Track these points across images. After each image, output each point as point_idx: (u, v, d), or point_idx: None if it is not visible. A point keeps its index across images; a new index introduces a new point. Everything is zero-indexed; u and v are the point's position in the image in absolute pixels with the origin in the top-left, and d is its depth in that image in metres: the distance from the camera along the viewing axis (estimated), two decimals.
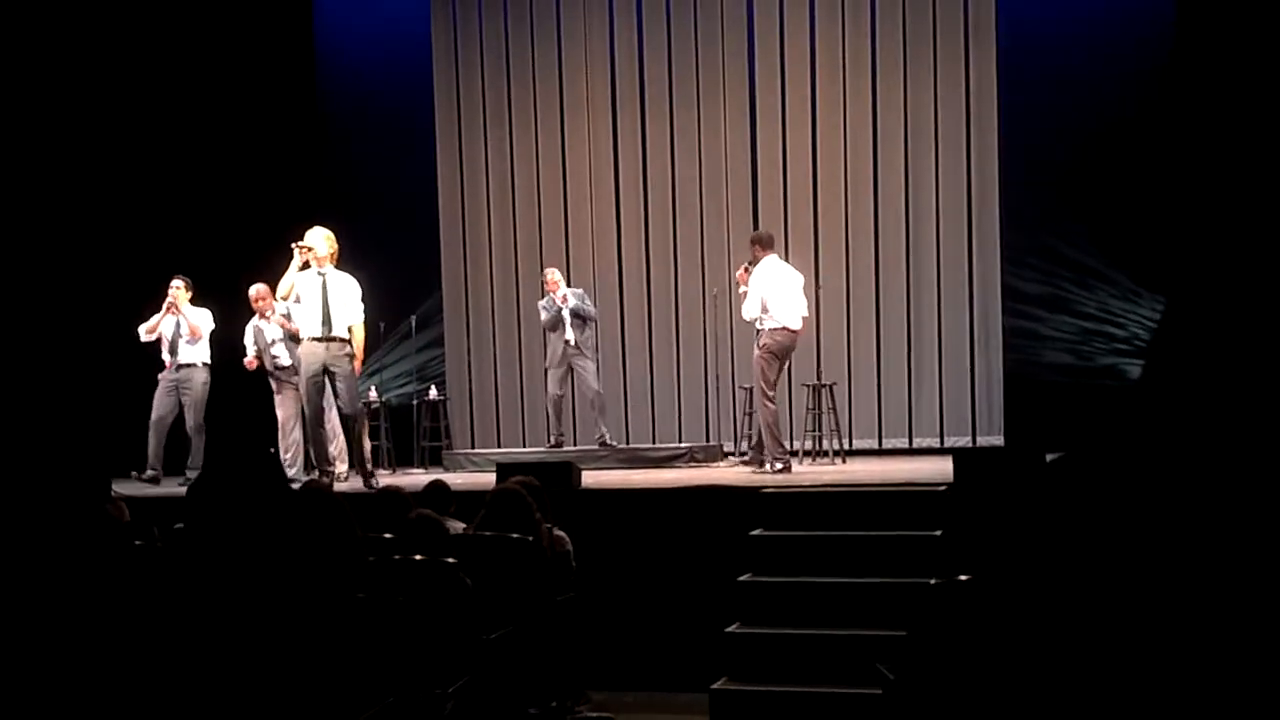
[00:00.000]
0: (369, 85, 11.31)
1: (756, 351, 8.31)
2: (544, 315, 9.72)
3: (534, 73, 10.91)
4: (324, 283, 7.87)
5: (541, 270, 10.27)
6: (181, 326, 9.04)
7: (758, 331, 8.36)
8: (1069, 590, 4.60)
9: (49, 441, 9.24)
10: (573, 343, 9.57)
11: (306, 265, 7.87)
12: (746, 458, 8.52)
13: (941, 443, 9.84)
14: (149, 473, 8.92)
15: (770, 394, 8.23)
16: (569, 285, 9.93)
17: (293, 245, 7.86)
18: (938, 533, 6.20)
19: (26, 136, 10.12)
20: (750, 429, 8.89)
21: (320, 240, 7.87)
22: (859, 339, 10.14)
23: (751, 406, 8.67)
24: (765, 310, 8.24)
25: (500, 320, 11.05)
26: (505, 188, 11.02)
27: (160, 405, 9.06)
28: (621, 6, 10.69)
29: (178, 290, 9.06)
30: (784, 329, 8.28)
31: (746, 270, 8.41)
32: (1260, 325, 8.77)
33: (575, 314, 9.59)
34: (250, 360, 8.98)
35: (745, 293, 8.38)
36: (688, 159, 10.55)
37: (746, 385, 8.99)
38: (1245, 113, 8.96)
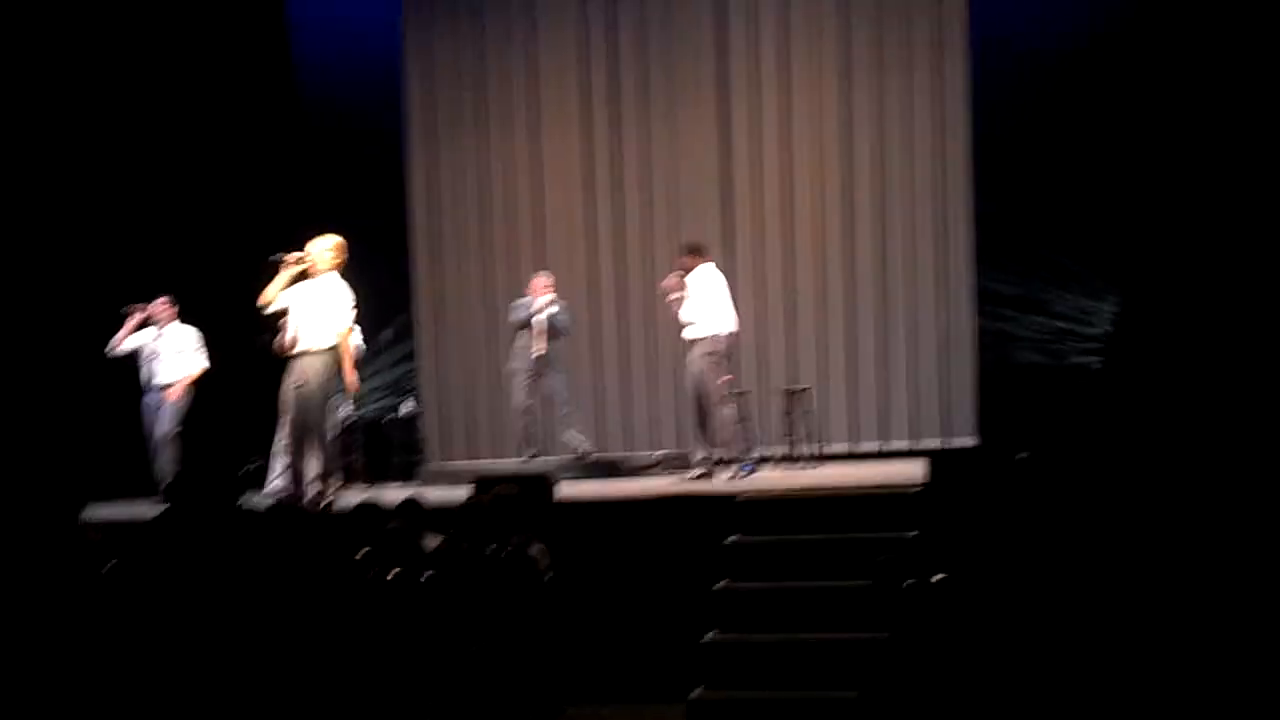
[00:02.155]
0: (341, 93, 11.23)
1: (706, 359, 8.29)
2: (514, 314, 9.52)
3: (508, 78, 10.88)
4: (314, 293, 7.67)
5: (521, 277, 10.07)
6: (161, 346, 8.97)
7: (697, 340, 8.35)
8: (1044, 587, 4.62)
9: (23, 463, 9.18)
10: (544, 352, 9.44)
11: (304, 276, 7.72)
12: (701, 471, 8.41)
13: (915, 444, 9.86)
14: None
15: (723, 395, 8.29)
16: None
17: (273, 258, 7.71)
18: (913, 534, 6.21)
19: (5, 156, 10.05)
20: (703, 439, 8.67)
21: (324, 249, 7.68)
22: (831, 342, 10.16)
23: (701, 416, 8.51)
24: (702, 317, 8.30)
25: (475, 332, 11.00)
26: (479, 193, 10.98)
27: (150, 430, 9.01)
28: (594, 8, 10.70)
29: (163, 308, 8.96)
30: (730, 334, 8.42)
31: (679, 278, 8.39)
32: (1219, 315, 8.86)
33: (553, 322, 9.44)
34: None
35: (678, 299, 8.37)
36: (662, 163, 10.55)
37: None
38: (1216, 113, 9.07)
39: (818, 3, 10.19)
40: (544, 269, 9.90)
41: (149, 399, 9.04)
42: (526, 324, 9.42)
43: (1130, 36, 9.43)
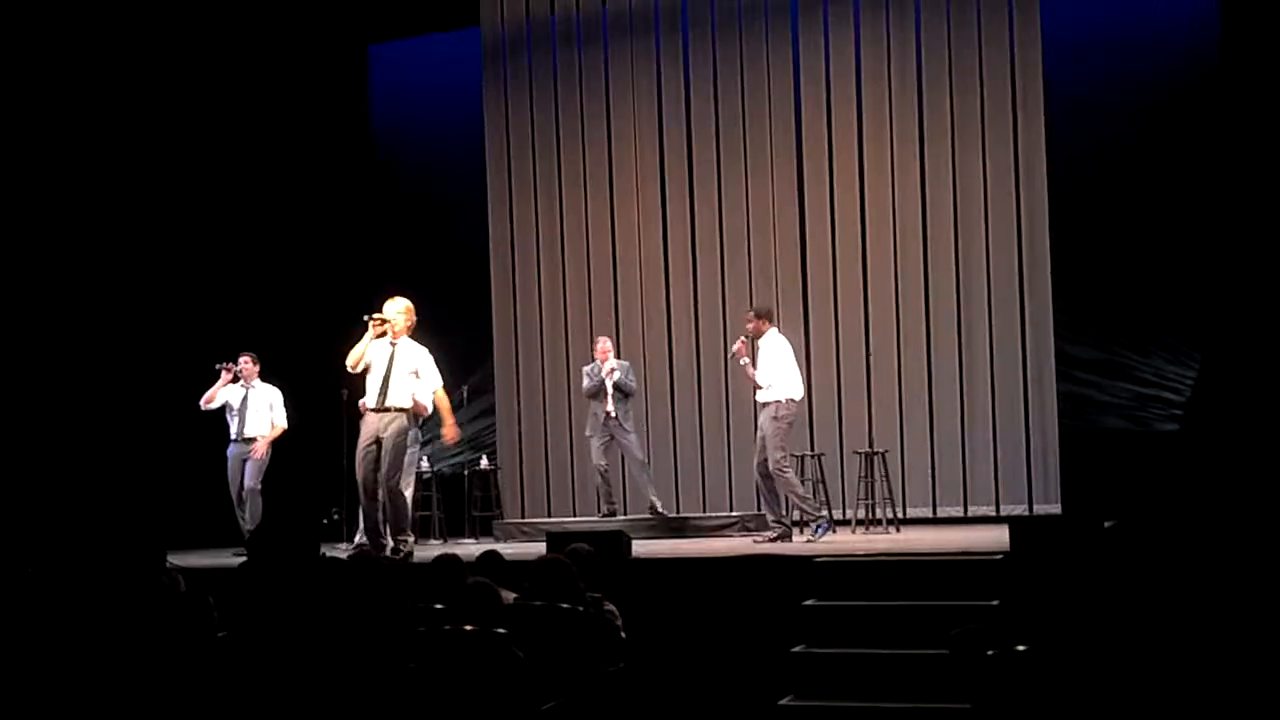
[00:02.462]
0: (422, 155, 11.57)
1: (774, 423, 8.26)
2: (586, 382, 9.79)
3: (583, 141, 11.06)
4: (392, 354, 7.95)
5: (591, 338, 10.34)
6: (250, 400, 9.23)
7: (767, 404, 8.32)
8: (1129, 659, 4.50)
9: (108, 513, 9.41)
10: (614, 414, 9.59)
11: (382, 334, 7.97)
12: (774, 534, 8.36)
13: (997, 511, 9.69)
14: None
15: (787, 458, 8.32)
16: (618, 355, 9.97)
17: (366, 318, 7.96)
18: (994, 602, 6.10)
19: (92, 215, 10.41)
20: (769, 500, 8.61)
21: (396, 312, 7.96)
22: (911, 406, 10.05)
23: (764, 477, 8.47)
24: (771, 381, 8.30)
25: (551, 389, 11.10)
26: (556, 257, 11.13)
27: (234, 481, 9.27)
28: (669, 76, 10.83)
29: (246, 365, 9.23)
30: (798, 400, 8.43)
31: (745, 342, 8.41)
32: None
33: (618, 386, 9.63)
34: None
35: (747, 364, 8.38)
36: (736, 228, 10.61)
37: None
38: None
39: (893, 66, 10.21)
40: (604, 335, 10.08)
41: (234, 450, 9.29)
42: (597, 393, 9.68)
43: (1209, 93, 9.34)
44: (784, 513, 8.33)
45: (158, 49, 10.72)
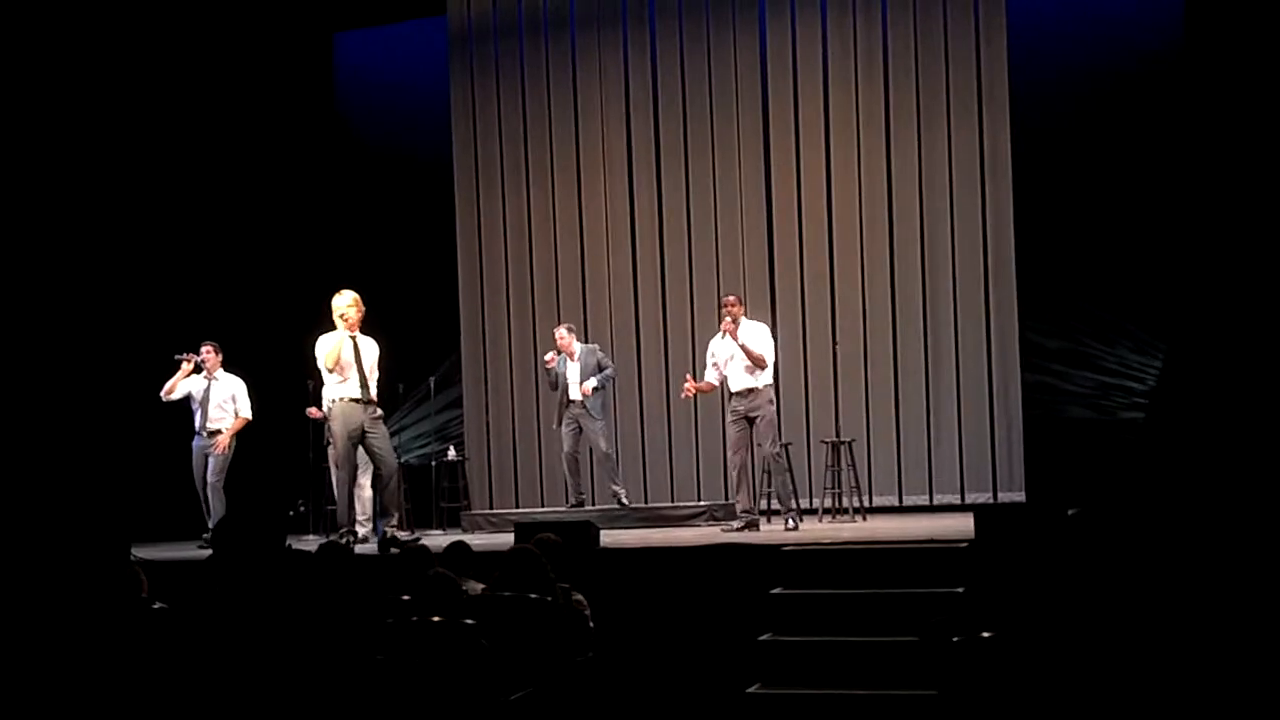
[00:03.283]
0: (388, 144, 11.50)
1: (771, 408, 8.30)
2: (549, 376, 9.74)
3: (551, 130, 11.01)
4: (355, 346, 8.16)
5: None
6: (212, 392, 9.09)
7: (754, 390, 8.32)
8: (1093, 645, 4.55)
9: (72, 504, 9.32)
10: (578, 401, 9.55)
11: (351, 332, 8.19)
12: (744, 523, 8.40)
13: (962, 499, 9.76)
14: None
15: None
16: (586, 340, 9.92)
17: (337, 318, 8.16)
18: (960, 589, 6.14)
19: (52, 200, 10.29)
20: (768, 489, 8.72)
21: (348, 305, 8.16)
22: (876, 395, 10.10)
23: (766, 468, 8.54)
24: (764, 366, 8.32)
25: (518, 380, 11.07)
26: (523, 246, 11.09)
27: (197, 474, 9.11)
28: (636, 63, 10.81)
29: (208, 355, 9.12)
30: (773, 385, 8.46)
31: (732, 326, 8.39)
32: (1268, 368, 8.75)
33: (586, 370, 9.56)
34: (315, 411, 9.09)
35: (746, 344, 8.32)
36: (703, 217, 10.60)
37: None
38: (1263, 164, 9.00)
39: (859, 54, 10.23)
40: (565, 323, 9.98)
41: (198, 443, 9.14)
42: (556, 384, 9.67)
43: (1173, 82, 9.41)
44: (753, 504, 8.35)
45: (121, 34, 10.59)
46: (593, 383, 9.50)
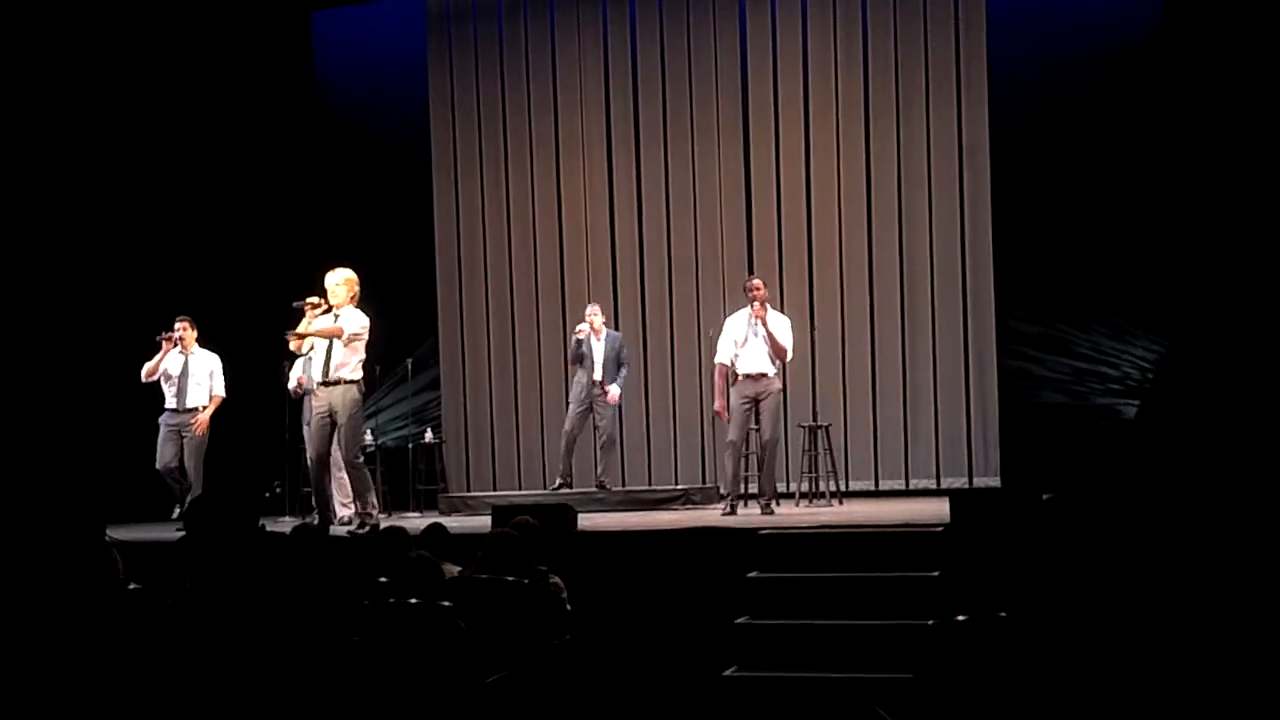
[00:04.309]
0: (365, 124, 11.42)
1: (776, 397, 8.35)
2: (572, 345, 9.68)
3: (530, 112, 10.97)
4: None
5: (538, 310, 10.32)
6: (190, 368, 8.98)
7: (767, 375, 8.32)
8: (1068, 628, 4.58)
9: (46, 485, 9.24)
10: (599, 383, 9.55)
11: (327, 311, 7.94)
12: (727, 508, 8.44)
13: (938, 484, 9.82)
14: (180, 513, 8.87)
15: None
16: (605, 328, 9.85)
17: (296, 304, 8.00)
18: (935, 574, 6.18)
19: (28, 180, 10.19)
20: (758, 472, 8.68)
21: (336, 284, 7.86)
22: (854, 380, 10.14)
23: (769, 454, 8.47)
24: (784, 359, 8.38)
25: (496, 362, 11.05)
26: (501, 227, 11.05)
27: (164, 453, 8.93)
28: (616, 46, 10.77)
29: (184, 331, 8.99)
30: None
31: (762, 311, 8.34)
32: (1258, 367, 8.81)
33: (609, 357, 9.61)
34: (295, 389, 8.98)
35: (773, 331, 8.30)
36: (682, 199, 10.60)
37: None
38: (1242, 151, 9.06)
39: (839, 40, 10.23)
40: (596, 302, 9.97)
41: (172, 420, 9.01)
42: (578, 359, 9.64)
43: (1149, 71, 9.45)
44: (733, 489, 8.36)
45: (98, 13, 10.48)
46: (617, 390, 9.58)
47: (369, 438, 10.06)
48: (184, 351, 8.98)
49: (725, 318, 8.70)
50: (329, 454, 7.96)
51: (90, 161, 10.58)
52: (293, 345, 8.05)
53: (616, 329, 10.58)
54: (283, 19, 11.35)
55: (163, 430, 9.00)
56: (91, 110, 10.55)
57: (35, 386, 10.02)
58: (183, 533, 6.99)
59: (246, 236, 11.00)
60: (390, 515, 9.64)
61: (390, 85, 11.48)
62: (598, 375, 9.57)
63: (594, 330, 9.63)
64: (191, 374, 8.97)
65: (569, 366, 9.94)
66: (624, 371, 9.73)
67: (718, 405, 8.51)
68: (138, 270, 10.59)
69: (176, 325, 8.99)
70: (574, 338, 9.70)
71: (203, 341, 9.13)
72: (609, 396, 9.54)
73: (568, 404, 9.84)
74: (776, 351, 8.33)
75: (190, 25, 10.91)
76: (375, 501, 8.04)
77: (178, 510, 8.87)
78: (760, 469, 8.43)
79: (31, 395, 9.98)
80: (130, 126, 10.75)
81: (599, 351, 9.60)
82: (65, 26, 10.33)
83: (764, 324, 8.28)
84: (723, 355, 8.43)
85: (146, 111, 10.82)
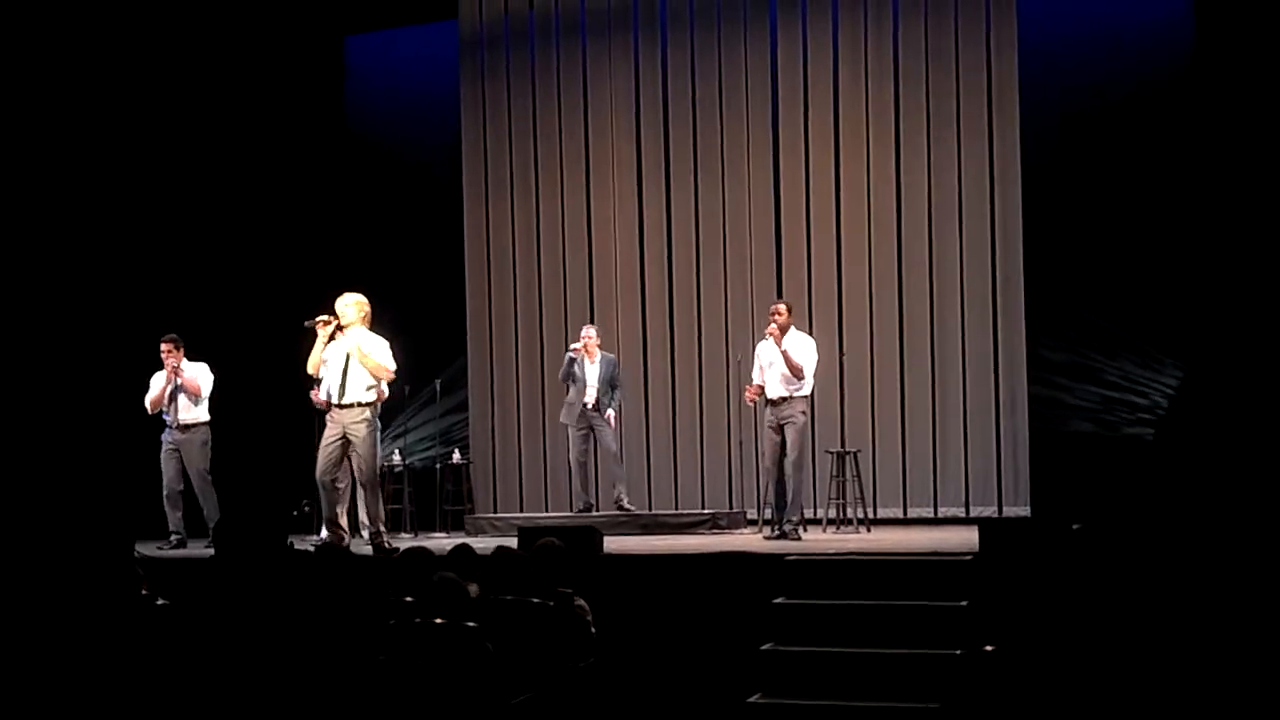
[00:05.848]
0: (397, 148, 11.50)
1: (799, 420, 8.39)
2: (564, 364, 9.71)
3: (560, 136, 11.01)
4: (344, 350, 7.93)
5: (566, 333, 10.36)
6: (180, 386, 9.01)
7: (788, 399, 8.36)
8: (1095, 660, 4.54)
9: (73, 505, 9.30)
10: (591, 406, 9.56)
11: (333, 336, 7.95)
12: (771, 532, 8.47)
13: (967, 512, 9.73)
14: (173, 538, 8.93)
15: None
16: (600, 350, 9.90)
17: (308, 323, 7.97)
18: (964, 603, 6.13)
19: (41, 201, 10.29)
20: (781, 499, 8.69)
21: (346, 306, 7.93)
22: (883, 406, 10.09)
23: (793, 476, 8.51)
24: (801, 377, 8.40)
25: (525, 383, 11.07)
26: (531, 251, 11.09)
27: (168, 473, 9.01)
28: (647, 71, 10.81)
29: (169, 352, 8.97)
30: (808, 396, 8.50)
31: (777, 333, 8.42)
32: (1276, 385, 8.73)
33: (603, 379, 9.64)
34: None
35: (788, 351, 8.38)
36: (712, 225, 10.60)
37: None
38: (1276, 177, 8.99)
39: (869, 66, 10.22)
40: (590, 324, 10.06)
41: (168, 437, 9.03)
42: (567, 378, 9.69)
43: (1182, 95, 9.39)
44: (776, 511, 8.37)
45: (130, 34, 10.61)
46: (612, 414, 9.64)
47: (397, 457, 10.12)
48: (177, 375, 8.99)
49: (753, 342, 8.75)
50: (335, 478, 7.99)
51: (123, 181, 10.69)
52: (310, 368, 8.05)
53: (645, 352, 10.60)
54: (317, 43, 11.47)
55: (164, 449, 9.07)
56: (125, 129, 10.67)
57: (69, 404, 10.11)
58: (211, 550, 7.03)
59: (279, 258, 11.09)
60: (416, 536, 9.66)
61: (422, 109, 11.57)
62: (589, 398, 9.58)
63: (588, 352, 9.63)
64: (182, 392, 8.98)
65: (555, 385, 10.01)
66: (618, 394, 9.75)
67: (749, 393, 8.77)
68: (172, 290, 10.67)
69: (163, 347, 8.96)
70: (566, 355, 9.72)
71: (192, 355, 9.14)
72: (609, 420, 9.55)
73: (563, 421, 9.85)
74: (792, 371, 8.37)
75: (226, 48, 11.04)
76: (387, 523, 8.11)
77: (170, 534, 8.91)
78: (787, 494, 8.43)
79: (64, 413, 10.06)
80: (165, 148, 10.87)
81: (592, 374, 9.61)
82: (102, 44, 10.46)
83: (778, 344, 8.38)
84: (755, 378, 8.75)
85: (182, 134, 10.94)
